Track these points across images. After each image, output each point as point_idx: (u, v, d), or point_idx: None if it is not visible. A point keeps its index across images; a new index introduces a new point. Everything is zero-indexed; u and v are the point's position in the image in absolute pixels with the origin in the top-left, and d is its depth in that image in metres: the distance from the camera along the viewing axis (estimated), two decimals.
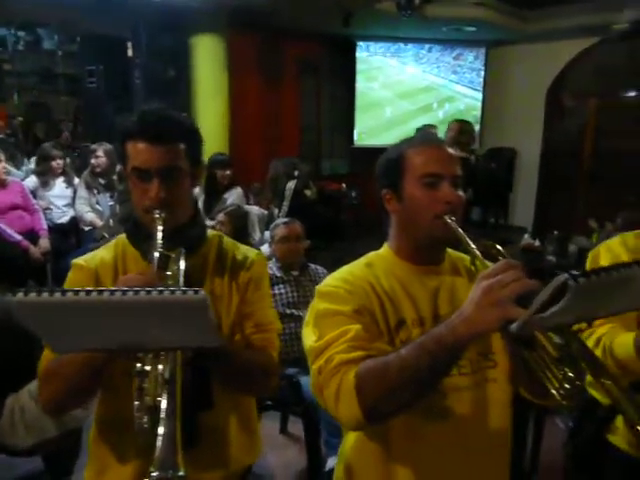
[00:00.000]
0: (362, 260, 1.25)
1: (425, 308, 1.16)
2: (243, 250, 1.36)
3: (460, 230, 1.10)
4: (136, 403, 0.97)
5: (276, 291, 2.73)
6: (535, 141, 7.73)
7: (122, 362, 1.04)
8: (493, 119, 8.02)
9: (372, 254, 1.26)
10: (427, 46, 7.92)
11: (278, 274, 2.79)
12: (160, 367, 0.96)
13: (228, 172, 4.06)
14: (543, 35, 7.10)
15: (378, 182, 1.24)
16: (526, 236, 4.69)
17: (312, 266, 2.87)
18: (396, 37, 7.62)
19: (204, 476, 1.23)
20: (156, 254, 1.10)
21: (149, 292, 0.80)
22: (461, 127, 4.31)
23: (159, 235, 1.12)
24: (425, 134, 1.26)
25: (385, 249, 1.26)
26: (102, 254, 1.29)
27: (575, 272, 0.75)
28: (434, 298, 1.18)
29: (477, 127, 8.15)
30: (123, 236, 1.31)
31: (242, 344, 1.28)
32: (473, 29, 6.86)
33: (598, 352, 1.28)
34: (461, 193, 1.17)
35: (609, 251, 1.41)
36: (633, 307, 0.93)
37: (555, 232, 4.93)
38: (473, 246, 1.09)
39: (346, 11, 5.97)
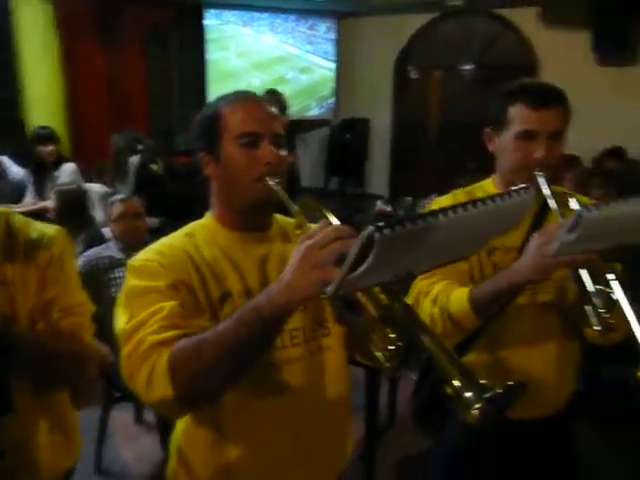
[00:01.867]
0: (182, 230, 1.13)
1: (252, 278, 1.08)
2: (39, 227, 1.17)
3: (283, 192, 1.03)
4: None
5: (117, 274, 2.51)
6: (386, 112, 8.04)
7: None
8: (347, 90, 8.17)
9: (194, 223, 1.15)
10: (282, 15, 7.80)
11: (118, 256, 2.56)
12: None
13: (52, 147, 3.66)
14: (388, 8, 7.33)
15: (195, 144, 1.12)
16: (379, 202, 4.86)
17: None
18: (250, 5, 7.40)
19: None
20: None
21: None
22: (273, 98, 4.32)
23: None
24: (243, 91, 1.15)
25: (207, 217, 1.15)
26: None
27: (380, 224, 0.70)
28: (262, 267, 1.10)
29: (333, 99, 8.29)
30: None
31: (47, 332, 1.11)
32: None
33: (436, 310, 1.28)
34: (283, 152, 1.09)
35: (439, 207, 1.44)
36: (451, 258, 0.92)
37: (408, 198, 5.18)
38: (297, 209, 1.02)
39: None
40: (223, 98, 1.11)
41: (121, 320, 0.97)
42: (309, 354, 1.10)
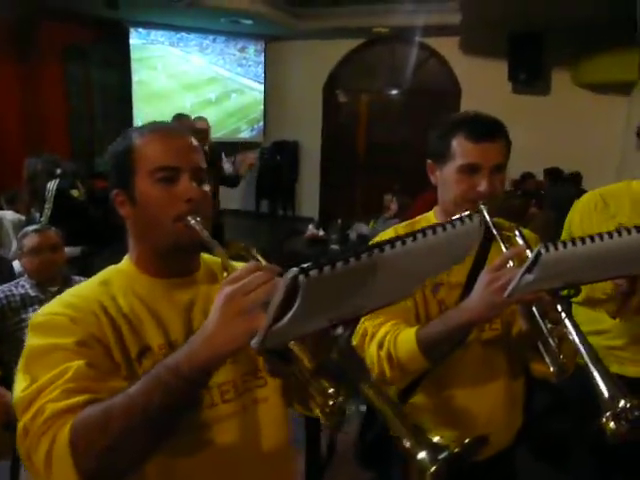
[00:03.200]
0: (96, 277, 1.01)
1: (176, 329, 0.97)
2: None
3: (205, 232, 0.94)
4: None
5: (31, 314, 2.29)
6: (316, 134, 8.11)
7: None
8: (276, 113, 8.17)
9: (110, 269, 1.04)
10: (211, 37, 7.71)
11: (32, 293, 2.34)
12: None
13: None
14: (316, 33, 7.43)
15: (109, 182, 1.02)
16: (310, 226, 4.81)
17: (76, 279, 2.47)
18: (178, 26, 7.28)
19: None
20: None
21: None
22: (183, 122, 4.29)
23: None
24: (158, 121, 1.05)
25: (125, 262, 1.04)
26: None
27: (306, 265, 0.63)
28: (187, 315, 0.99)
29: (261, 122, 8.26)
30: None
31: None
32: (250, 22, 6.86)
33: (383, 354, 1.22)
34: (206, 188, 1.01)
35: None
36: (398, 295, 0.86)
37: (338, 220, 5.18)
38: (220, 249, 0.94)
39: None
40: (137, 129, 1.01)
41: (19, 387, 0.83)
42: (242, 409, 1.00)
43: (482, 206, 1.25)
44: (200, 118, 4.50)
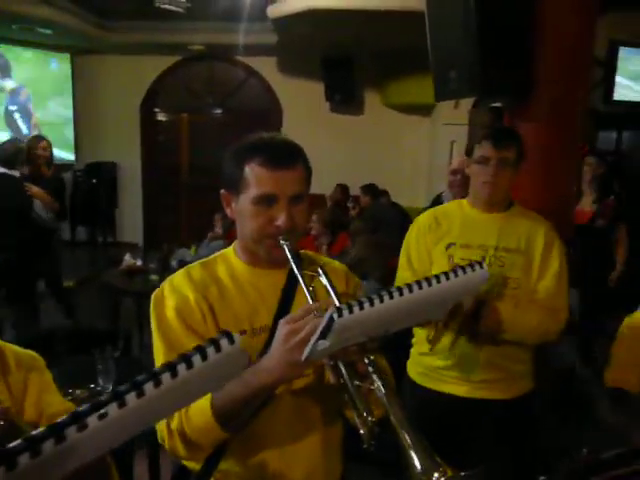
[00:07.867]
0: None
1: None
2: None
3: None
4: None
5: None
6: (135, 155, 7.60)
7: None
8: (89, 132, 7.48)
9: None
10: None
11: None
12: None
13: None
14: (130, 48, 6.98)
15: None
16: (127, 257, 4.38)
17: None
18: None
19: None
20: None
21: None
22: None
23: None
24: None
25: None
26: None
27: None
28: None
29: (72, 141, 7.51)
30: None
31: None
32: (49, 32, 6.18)
33: (174, 427, 1.03)
34: None
35: (173, 290, 1.17)
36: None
37: (165, 245, 4.82)
38: None
39: None
40: None
41: None
42: None
43: (283, 242, 1.12)
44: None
